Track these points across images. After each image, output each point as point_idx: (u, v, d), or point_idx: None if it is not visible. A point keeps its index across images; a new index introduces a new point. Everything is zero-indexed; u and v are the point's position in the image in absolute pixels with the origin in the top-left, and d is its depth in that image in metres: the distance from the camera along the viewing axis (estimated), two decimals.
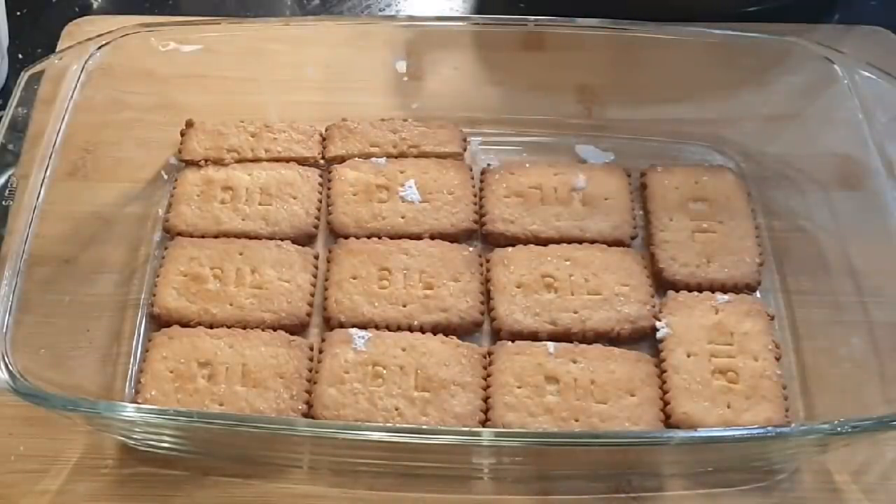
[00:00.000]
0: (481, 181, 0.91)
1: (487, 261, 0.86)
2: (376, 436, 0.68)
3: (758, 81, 0.89)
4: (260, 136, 0.93)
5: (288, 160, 0.92)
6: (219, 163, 0.91)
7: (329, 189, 0.91)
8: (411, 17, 1.07)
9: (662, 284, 0.85)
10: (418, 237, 0.87)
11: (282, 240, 0.87)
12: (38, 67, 0.83)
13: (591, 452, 0.72)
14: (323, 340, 0.81)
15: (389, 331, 0.81)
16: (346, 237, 0.87)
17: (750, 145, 0.93)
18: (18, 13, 1.10)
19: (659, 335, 0.81)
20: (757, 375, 0.77)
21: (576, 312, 0.82)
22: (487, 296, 0.84)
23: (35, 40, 1.07)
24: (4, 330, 0.69)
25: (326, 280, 0.85)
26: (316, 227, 0.89)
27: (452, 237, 0.88)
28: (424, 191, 0.89)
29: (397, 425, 0.74)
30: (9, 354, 0.68)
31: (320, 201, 0.91)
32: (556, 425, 0.75)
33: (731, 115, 0.93)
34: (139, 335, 0.83)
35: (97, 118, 0.86)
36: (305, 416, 0.77)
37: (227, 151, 0.92)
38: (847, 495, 0.75)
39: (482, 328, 0.83)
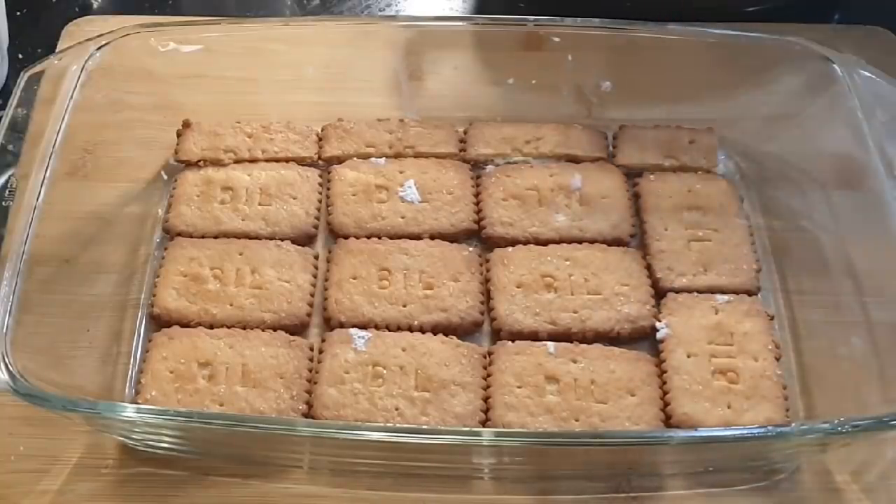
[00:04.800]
0: (478, 185, 0.91)
1: (487, 261, 0.86)
2: (376, 436, 0.68)
3: (758, 81, 0.89)
4: (257, 137, 0.93)
5: (285, 160, 0.92)
6: (216, 163, 0.91)
7: (329, 189, 0.91)
8: (411, 17, 1.07)
9: (660, 294, 0.84)
10: (418, 237, 0.87)
11: (282, 240, 0.87)
12: (38, 67, 0.83)
13: (591, 452, 0.72)
14: (323, 340, 0.81)
15: (389, 331, 0.81)
16: (346, 237, 0.87)
17: (750, 145, 0.93)
18: (18, 13, 1.10)
19: (659, 335, 0.81)
20: (757, 375, 0.77)
21: (576, 312, 0.82)
22: (487, 296, 0.84)
23: (35, 40, 1.07)
24: (4, 330, 0.69)
25: (326, 280, 0.85)
26: (316, 227, 0.89)
27: (452, 237, 0.88)
28: (424, 191, 0.89)
29: (397, 425, 0.74)
30: (9, 354, 0.68)
31: (320, 201, 0.91)
32: (556, 425, 0.75)
33: (731, 115, 0.93)
34: (139, 335, 0.83)
35: (97, 118, 0.86)
36: (305, 416, 0.76)
37: (224, 152, 0.92)
38: (847, 495, 0.75)
39: (482, 328, 0.83)
